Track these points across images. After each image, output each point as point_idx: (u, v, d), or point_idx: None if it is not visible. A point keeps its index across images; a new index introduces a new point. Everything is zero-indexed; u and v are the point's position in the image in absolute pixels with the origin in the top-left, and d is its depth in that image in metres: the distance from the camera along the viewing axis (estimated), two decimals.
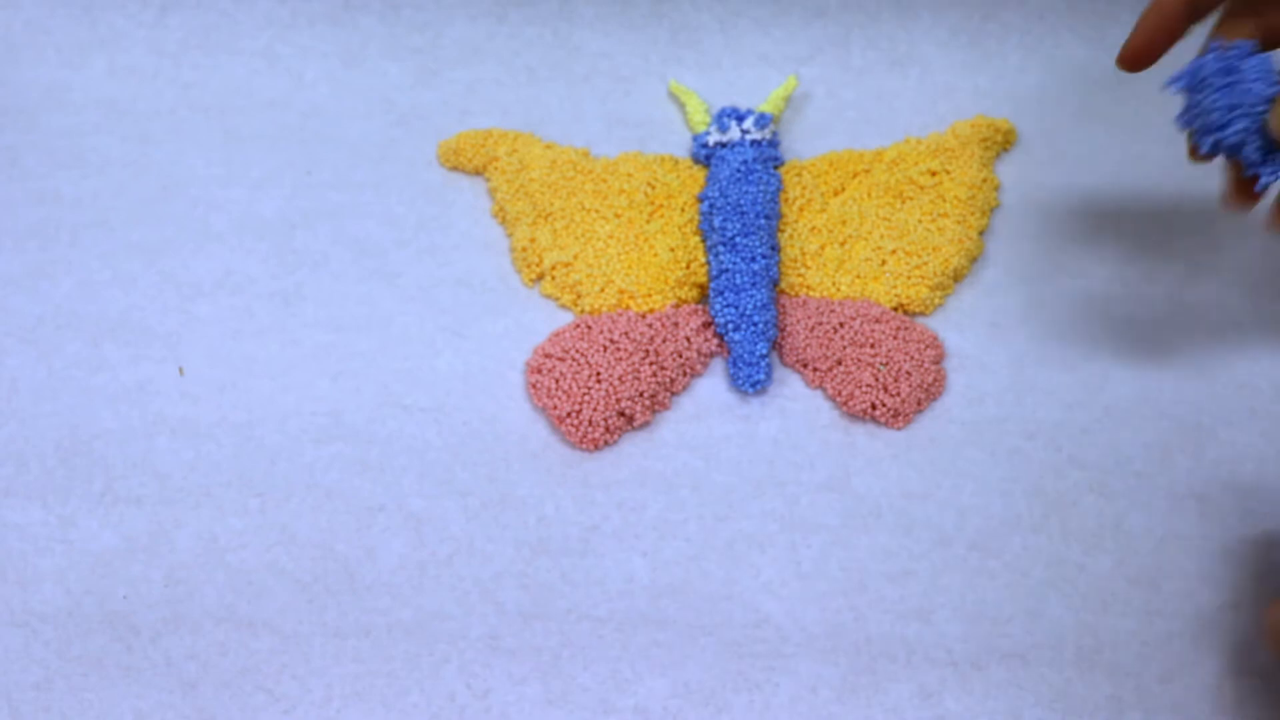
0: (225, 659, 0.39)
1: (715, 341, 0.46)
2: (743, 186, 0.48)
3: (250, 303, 0.48)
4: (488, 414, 0.45)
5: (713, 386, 0.46)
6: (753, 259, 0.47)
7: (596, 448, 0.44)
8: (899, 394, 0.45)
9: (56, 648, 0.40)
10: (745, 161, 0.50)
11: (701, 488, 0.43)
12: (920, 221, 0.49)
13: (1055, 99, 0.54)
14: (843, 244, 0.49)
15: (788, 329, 0.46)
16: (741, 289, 0.46)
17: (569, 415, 0.44)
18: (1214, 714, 0.38)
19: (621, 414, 0.44)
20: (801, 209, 0.50)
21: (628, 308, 0.47)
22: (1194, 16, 0.38)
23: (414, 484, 0.43)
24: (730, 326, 0.46)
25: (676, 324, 0.46)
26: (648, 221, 0.49)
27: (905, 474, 0.43)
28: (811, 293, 0.48)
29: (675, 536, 0.42)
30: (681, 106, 0.54)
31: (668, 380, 0.45)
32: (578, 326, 0.46)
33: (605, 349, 0.45)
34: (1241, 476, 0.43)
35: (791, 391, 0.46)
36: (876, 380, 0.45)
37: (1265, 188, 0.31)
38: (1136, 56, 0.39)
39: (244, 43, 0.56)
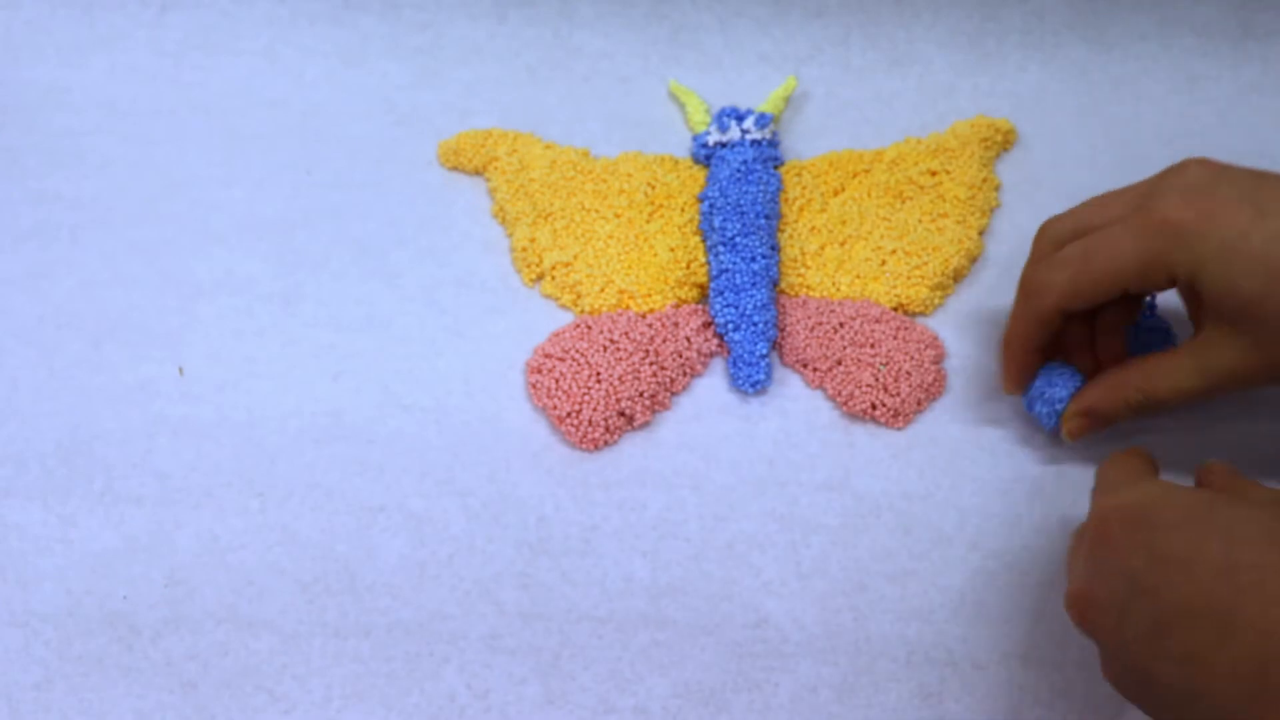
0: (225, 659, 0.39)
1: (715, 341, 0.46)
2: (743, 186, 0.48)
3: (250, 303, 0.48)
4: (488, 414, 0.45)
5: (713, 386, 0.46)
6: (753, 259, 0.47)
7: (596, 448, 0.44)
8: (899, 394, 0.45)
9: (56, 648, 0.40)
10: (745, 161, 0.50)
11: (701, 488, 0.43)
12: (920, 221, 0.49)
13: (1055, 99, 0.54)
14: (843, 244, 0.49)
15: (788, 329, 0.46)
16: (741, 289, 0.46)
17: (569, 415, 0.44)
18: None
19: (621, 414, 0.44)
20: (801, 209, 0.50)
21: (628, 308, 0.47)
22: (1049, 339, 0.42)
23: (414, 484, 0.43)
24: (730, 326, 0.46)
25: (676, 324, 0.46)
26: (648, 221, 0.49)
27: (905, 474, 0.43)
28: (811, 293, 0.48)
29: (675, 536, 0.42)
30: (681, 106, 0.54)
31: (668, 380, 0.45)
32: (578, 326, 0.46)
33: (605, 349, 0.45)
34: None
35: (791, 391, 0.46)
36: (876, 380, 0.45)
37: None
38: (1019, 383, 0.43)
39: (244, 43, 0.56)
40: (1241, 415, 0.44)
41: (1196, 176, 0.38)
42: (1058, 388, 0.42)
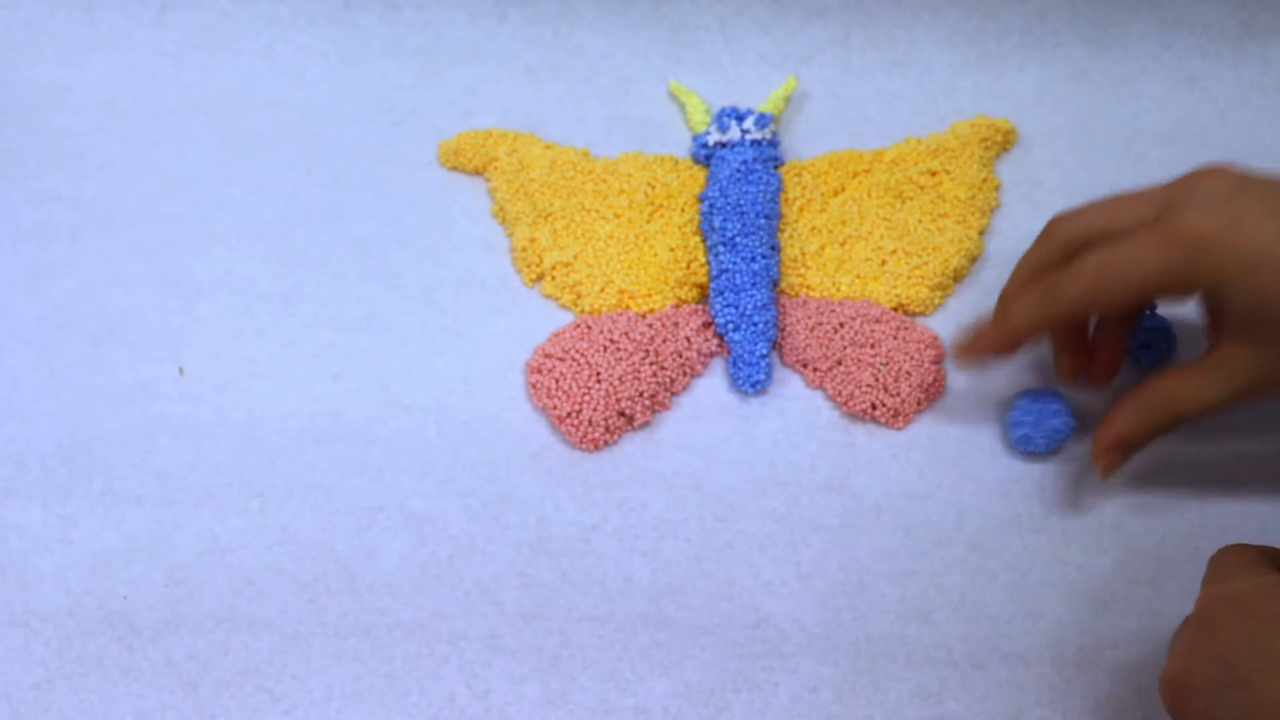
0: (225, 659, 0.39)
1: (715, 341, 0.46)
2: (743, 186, 0.48)
3: (250, 303, 0.48)
4: (488, 414, 0.45)
5: (713, 386, 0.46)
6: (753, 259, 0.47)
7: (596, 448, 0.44)
8: (899, 394, 0.45)
9: (56, 648, 0.40)
10: (745, 161, 0.50)
11: (701, 488, 0.43)
12: (920, 221, 0.49)
13: (1055, 99, 0.54)
14: (843, 244, 0.49)
15: (788, 329, 0.46)
16: (741, 289, 0.46)
17: (569, 415, 0.44)
18: None
19: (621, 414, 0.44)
20: (801, 209, 0.50)
21: (628, 308, 0.47)
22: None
23: (414, 484, 0.43)
24: (730, 326, 0.46)
25: (676, 324, 0.46)
26: (648, 221, 0.49)
27: (905, 474, 0.43)
28: (811, 293, 0.48)
29: (675, 536, 0.42)
30: (681, 106, 0.54)
31: (668, 380, 0.45)
32: (578, 326, 0.46)
33: (605, 349, 0.45)
34: (1241, 476, 0.43)
35: (791, 391, 0.46)
36: (876, 380, 0.45)
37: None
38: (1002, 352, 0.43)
39: (244, 43, 0.56)
40: (1253, 426, 0.44)
41: (1216, 187, 0.38)
42: (1048, 417, 0.43)
